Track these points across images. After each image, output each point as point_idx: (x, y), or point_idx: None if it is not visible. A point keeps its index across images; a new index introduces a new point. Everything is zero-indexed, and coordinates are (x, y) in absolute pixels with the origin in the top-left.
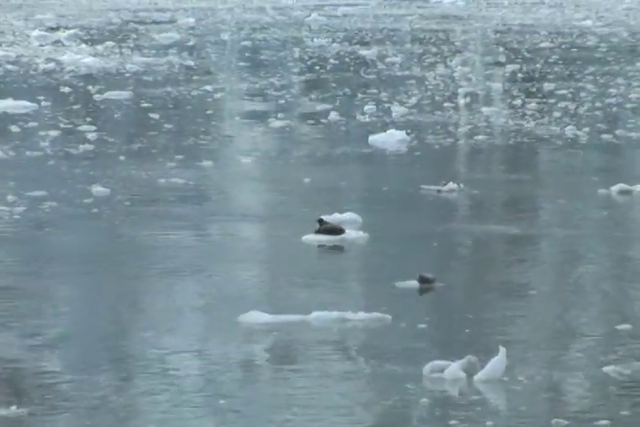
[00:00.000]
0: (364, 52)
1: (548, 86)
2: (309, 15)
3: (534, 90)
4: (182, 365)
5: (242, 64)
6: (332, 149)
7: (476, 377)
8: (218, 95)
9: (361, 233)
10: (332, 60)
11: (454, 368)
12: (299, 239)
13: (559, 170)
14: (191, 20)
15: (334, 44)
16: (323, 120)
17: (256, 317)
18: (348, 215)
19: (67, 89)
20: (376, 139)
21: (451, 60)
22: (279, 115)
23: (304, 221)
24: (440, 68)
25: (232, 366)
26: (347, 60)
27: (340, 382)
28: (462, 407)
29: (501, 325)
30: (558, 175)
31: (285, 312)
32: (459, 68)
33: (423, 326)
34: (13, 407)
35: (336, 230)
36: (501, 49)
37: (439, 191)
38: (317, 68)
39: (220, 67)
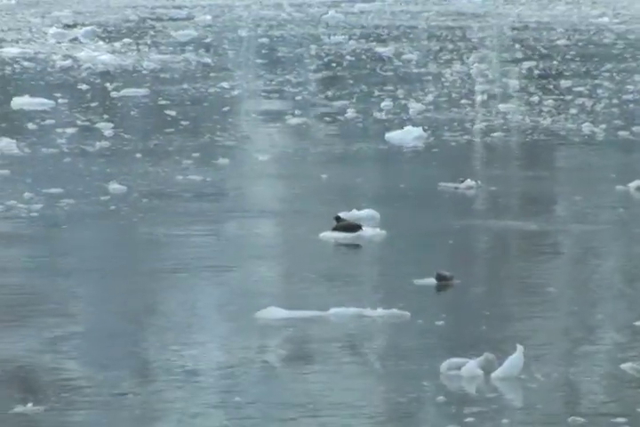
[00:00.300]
0: (380, 49)
1: (564, 83)
2: (326, 12)
3: (551, 87)
4: (199, 361)
5: (259, 61)
6: (348, 146)
7: (493, 375)
8: (235, 92)
9: (378, 230)
10: (348, 57)
11: (472, 366)
12: (316, 236)
13: (576, 166)
14: (208, 17)
15: (351, 41)
16: (340, 117)
17: (274, 313)
18: (365, 212)
19: (84, 86)
20: (393, 136)
21: (467, 58)
22: (296, 112)
23: (321, 218)
24: (457, 66)
25: (249, 361)
26: (363, 57)
27: (357, 379)
28: (479, 405)
29: (519, 322)
30: (576, 172)
31: (303, 308)
32: (475, 65)
33: (440, 323)
34: (30, 405)
35: (353, 227)
36: (518, 46)
37: (457, 188)
38: (334, 65)
39: (236, 64)
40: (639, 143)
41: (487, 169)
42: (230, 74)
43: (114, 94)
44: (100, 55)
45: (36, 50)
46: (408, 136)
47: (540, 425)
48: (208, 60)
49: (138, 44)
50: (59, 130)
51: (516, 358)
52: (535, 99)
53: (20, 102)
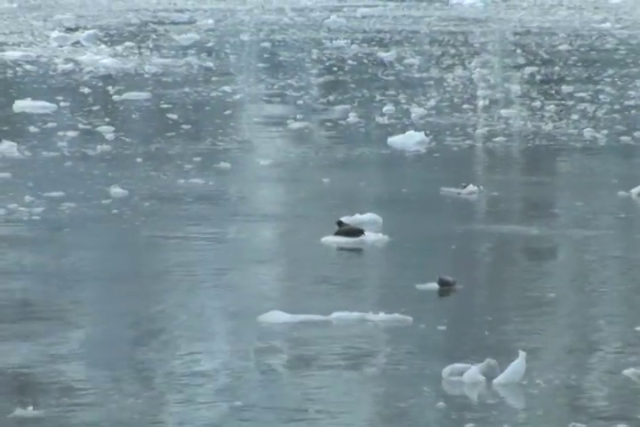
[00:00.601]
0: (382, 53)
1: (566, 89)
2: (328, 16)
3: (553, 92)
4: (201, 364)
5: (260, 65)
6: (350, 151)
7: (495, 381)
8: (236, 96)
9: (380, 235)
10: (350, 62)
11: (474, 372)
12: (318, 241)
13: (578, 172)
14: (210, 21)
15: (353, 46)
16: (341, 122)
17: (276, 316)
18: (368, 216)
19: (85, 90)
20: (395, 140)
21: (469, 62)
22: (298, 116)
23: (323, 223)
24: (458, 70)
25: (251, 365)
26: (365, 61)
27: (358, 383)
28: (481, 411)
29: (521, 328)
30: (578, 177)
31: (305, 313)
32: (477, 70)
33: (443, 328)
34: (30, 408)
35: (355, 232)
36: (520, 51)
37: (459, 193)
38: (336, 69)
39: (238, 68)
40: None
41: (489, 174)
42: (232, 78)
43: (115, 98)
44: (101, 59)
45: (38, 53)
46: (410, 141)
47: None
48: (210, 64)
49: (140, 47)
50: (60, 133)
51: (518, 364)
52: (537, 104)
53: (22, 105)
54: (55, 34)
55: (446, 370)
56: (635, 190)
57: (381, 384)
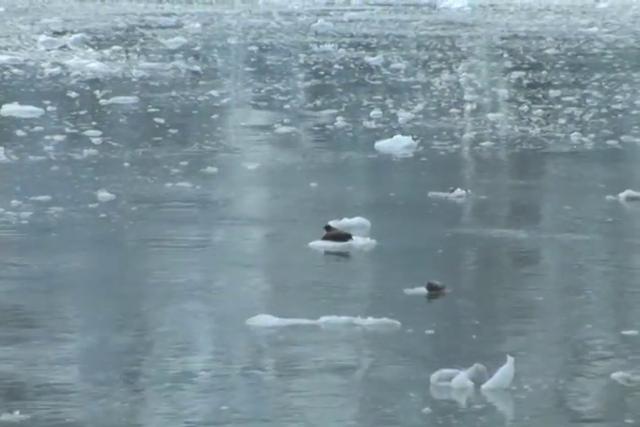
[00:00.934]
0: (369, 58)
1: (553, 93)
2: (316, 21)
3: (540, 96)
4: (189, 368)
5: (248, 69)
6: (338, 155)
7: (483, 386)
8: (224, 100)
9: (368, 240)
10: (337, 66)
11: (462, 377)
12: (306, 245)
13: (566, 176)
14: (197, 25)
15: (340, 50)
16: (329, 126)
17: (265, 320)
18: (356, 220)
19: (73, 94)
20: (382, 144)
21: (456, 67)
22: (285, 120)
23: (311, 227)
24: (446, 75)
25: (239, 369)
26: (352, 66)
27: (346, 388)
28: (469, 417)
29: (509, 333)
30: (565, 181)
31: (293, 317)
32: (464, 74)
33: (431, 332)
34: (17, 413)
35: (343, 237)
36: (507, 55)
37: (447, 197)
38: (323, 73)
39: (226, 72)
40: (628, 153)
41: (477, 178)
42: (219, 82)
43: (103, 102)
44: (89, 63)
45: (25, 57)
46: (397, 145)
47: None
48: (197, 68)
49: (127, 51)
50: (47, 137)
51: (506, 370)
52: (524, 108)
53: (9, 110)
54: (42, 38)
55: (434, 376)
56: (622, 194)
57: (368, 390)
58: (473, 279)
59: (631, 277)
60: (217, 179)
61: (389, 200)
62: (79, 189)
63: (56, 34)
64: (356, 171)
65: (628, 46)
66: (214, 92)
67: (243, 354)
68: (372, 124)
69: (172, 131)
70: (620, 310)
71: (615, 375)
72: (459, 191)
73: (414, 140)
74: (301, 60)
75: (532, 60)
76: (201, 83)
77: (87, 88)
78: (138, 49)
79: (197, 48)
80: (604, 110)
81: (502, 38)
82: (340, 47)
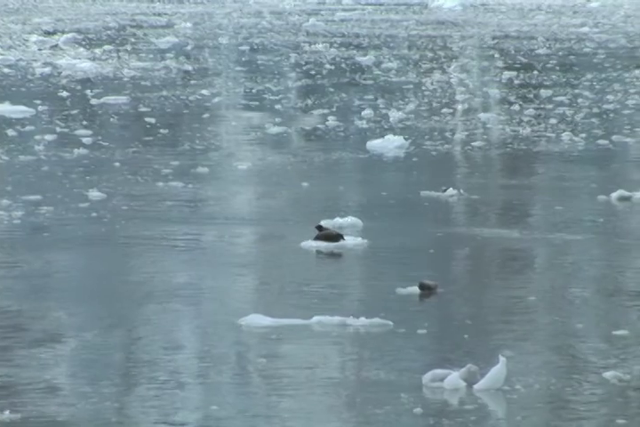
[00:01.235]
0: (360, 57)
1: (545, 92)
2: (307, 20)
3: (531, 96)
4: (181, 368)
5: (239, 69)
6: (329, 155)
7: (475, 386)
8: (215, 100)
9: (360, 239)
10: (328, 66)
11: (454, 377)
12: (297, 245)
13: (558, 176)
14: (188, 25)
15: (331, 50)
16: (320, 126)
17: (256, 320)
18: (348, 219)
19: (64, 93)
20: (374, 144)
21: (448, 66)
22: (276, 120)
23: (302, 227)
24: (437, 75)
25: (230, 369)
26: (343, 65)
27: (337, 389)
28: (462, 417)
29: (501, 333)
30: (557, 181)
31: (286, 317)
32: (456, 74)
33: (423, 332)
34: (7, 412)
35: (334, 237)
36: (498, 55)
37: (439, 197)
38: (314, 73)
39: (217, 71)
40: (619, 153)
41: (469, 178)
42: (210, 82)
43: (94, 102)
44: (80, 62)
45: (16, 57)
46: (389, 145)
47: None
48: (188, 68)
49: (118, 51)
50: (38, 137)
51: (498, 370)
52: (515, 108)
53: (0, 109)
54: (34, 37)
55: (427, 376)
56: (614, 194)
57: (360, 390)
58: (465, 279)
59: (622, 276)
60: (208, 178)
61: (381, 200)
62: (70, 188)
63: (47, 33)
64: (348, 171)
65: (620, 46)
66: (205, 92)
67: (234, 354)
68: (364, 124)
69: (163, 130)
70: (611, 309)
71: (607, 374)
72: (451, 191)
73: (406, 139)
74: (293, 60)
75: (524, 59)
76: (192, 82)
77: (78, 88)
78: (129, 49)
79: (188, 48)
80: (595, 110)
81: (494, 38)
82: (331, 47)
